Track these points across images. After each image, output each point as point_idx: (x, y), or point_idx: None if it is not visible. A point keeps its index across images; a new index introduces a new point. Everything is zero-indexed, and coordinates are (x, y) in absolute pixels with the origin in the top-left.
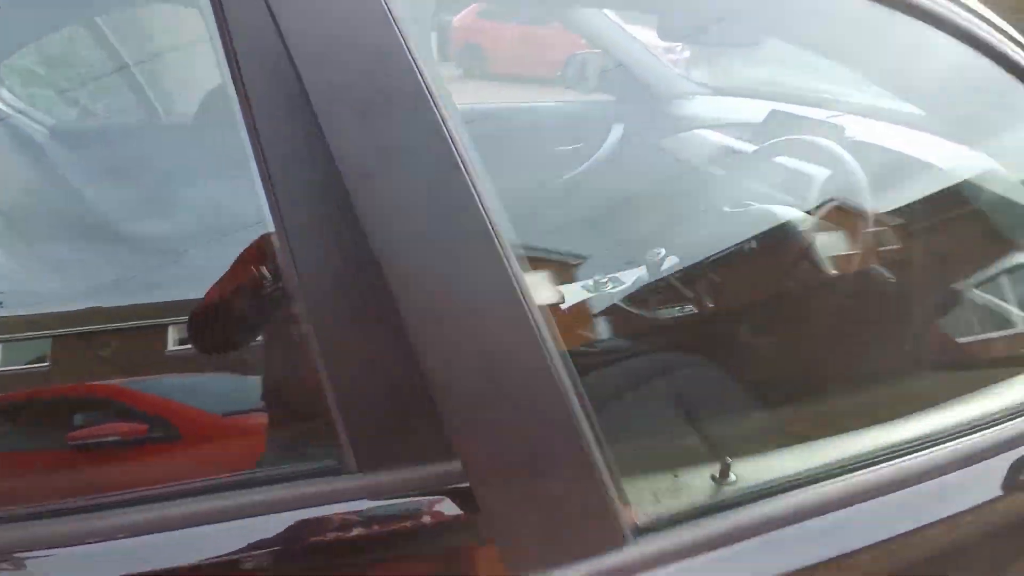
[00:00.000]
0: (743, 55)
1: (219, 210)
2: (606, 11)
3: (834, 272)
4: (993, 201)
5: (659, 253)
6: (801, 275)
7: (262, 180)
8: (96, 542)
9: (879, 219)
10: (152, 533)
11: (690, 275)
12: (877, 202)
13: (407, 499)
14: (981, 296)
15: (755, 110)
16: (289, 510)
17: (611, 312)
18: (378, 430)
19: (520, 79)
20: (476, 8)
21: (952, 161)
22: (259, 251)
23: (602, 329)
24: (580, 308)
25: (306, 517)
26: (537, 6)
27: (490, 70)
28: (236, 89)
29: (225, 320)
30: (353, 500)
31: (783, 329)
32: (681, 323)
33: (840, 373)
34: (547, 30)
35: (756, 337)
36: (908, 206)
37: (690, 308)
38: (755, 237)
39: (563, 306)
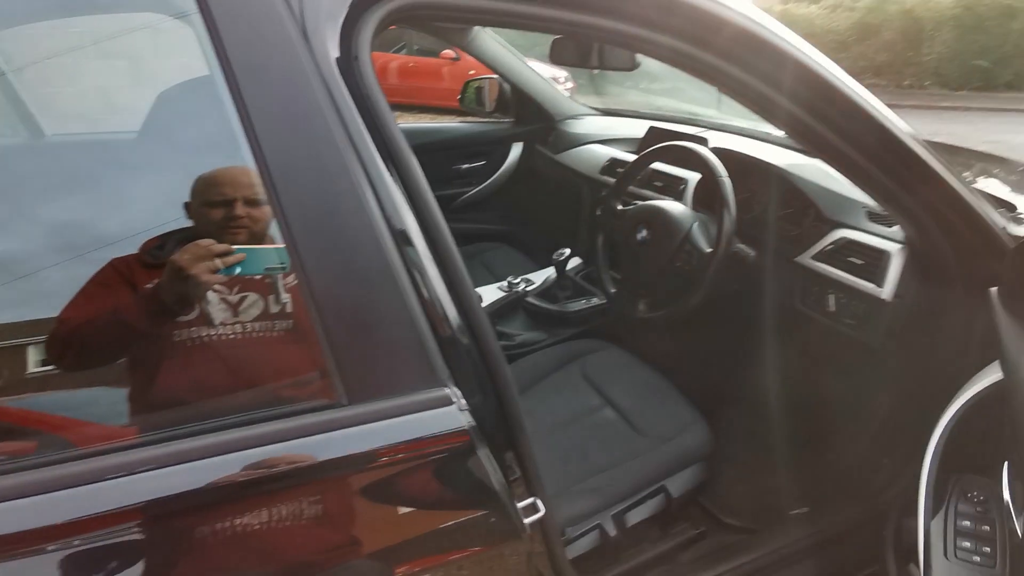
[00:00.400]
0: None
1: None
2: (500, 40)
3: (708, 250)
4: (819, 191)
5: (563, 253)
6: (684, 255)
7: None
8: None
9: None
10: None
11: (591, 271)
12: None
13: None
14: (815, 265)
15: (636, 127)
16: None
17: (522, 307)
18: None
19: (412, 109)
20: None
21: (790, 161)
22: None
23: (517, 322)
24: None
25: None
26: (428, 37)
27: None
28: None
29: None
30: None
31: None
32: (587, 312)
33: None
34: (436, 60)
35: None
36: (757, 196)
37: (595, 299)
38: (645, 227)
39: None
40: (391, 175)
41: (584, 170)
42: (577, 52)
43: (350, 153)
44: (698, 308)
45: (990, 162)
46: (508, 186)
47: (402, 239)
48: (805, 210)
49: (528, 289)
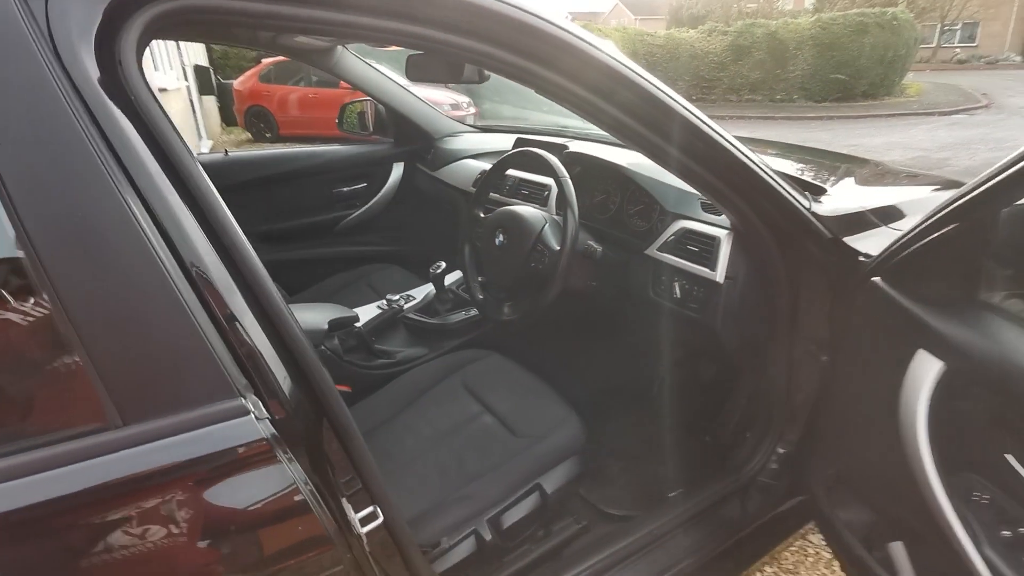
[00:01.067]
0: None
1: None
2: (374, 64)
3: (557, 248)
4: (659, 187)
5: (440, 267)
6: (537, 255)
7: None
8: None
9: (598, 205)
10: None
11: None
12: (586, 191)
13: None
14: (661, 256)
15: (508, 140)
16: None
17: (403, 324)
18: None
19: (310, 139)
20: (257, 72)
21: (634, 161)
22: None
23: (398, 339)
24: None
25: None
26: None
27: (279, 133)
28: None
29: None
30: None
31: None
32: (467, 323)
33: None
34: (330, 90)
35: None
36: (612, 196)
37: (474, 310)
38: (502, 232)
39: (357, 324)
40: (170, 184)
41: (459, 184)
42: (431, 69)
43: (114, 167)
44: (556, 304)
45: (852, 162)
46: (392, 206)
47: (184, 250)
48: (652, 206)
49: (407, 305)
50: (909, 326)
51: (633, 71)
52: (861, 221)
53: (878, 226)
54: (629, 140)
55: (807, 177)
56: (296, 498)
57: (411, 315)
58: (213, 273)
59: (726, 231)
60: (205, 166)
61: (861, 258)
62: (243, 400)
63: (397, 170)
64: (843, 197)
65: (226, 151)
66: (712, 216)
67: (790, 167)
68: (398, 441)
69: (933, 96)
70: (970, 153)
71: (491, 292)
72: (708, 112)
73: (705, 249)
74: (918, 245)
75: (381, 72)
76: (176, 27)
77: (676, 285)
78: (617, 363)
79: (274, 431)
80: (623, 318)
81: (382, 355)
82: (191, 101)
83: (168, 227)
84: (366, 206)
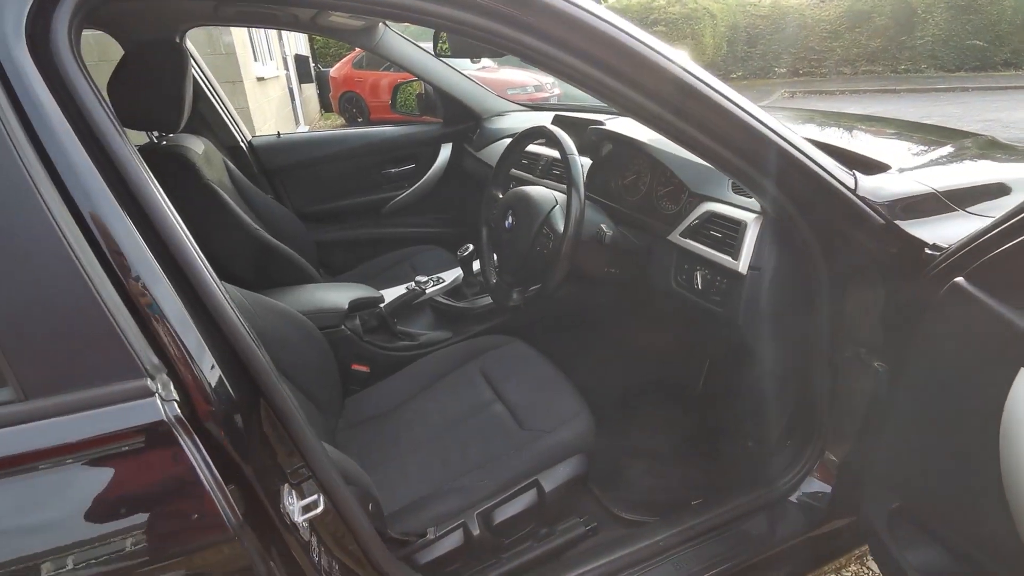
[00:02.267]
0: None
1: None
2: (412, 40)
3: (561, 231)
4: (684, 166)
5: (467, 249)
6: (543, 238)
7: None
8: None
9: (628, 187)
10: None
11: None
12: (616, 171)
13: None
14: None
15: (550, 117)
16: None
17: (430, 307)
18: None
19: (409, 122)
20: (351, 59)
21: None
22: None
23: (423, 321)
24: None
25: None
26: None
27: (370, 117)
28: None
29: None
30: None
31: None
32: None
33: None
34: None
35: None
36: (642, 177)
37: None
38: (512, 213)
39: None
40: (92, 168)
41: (493, 161)
42: (461, 45)
43: (24, 144)
44: (582, 291)
45: (957, 137)
46: (439, 187)
47: (99, 230)
48: (680, 187)
49: (430, 289)
50: (1010, 339)
51: (633, 36)
52: (927, 204)
53: (953, 210)
54: (632, 112)
55: (870, 152)
56: (193, 485)
57: (438, 298)
58: (131, 254)
59: (755, 215)
60: (257, 148)
61: (929, 250)
62: (150, 381)
63: (445, 151)
64: (914, 176)
65: (279, 133)
66: (743, 198)
67: (869, 140)
68: (408, 425)
69: None
70: None
71: (503, 277)
72: (817, 87)
73: (729, 235)
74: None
75: (426, 51)
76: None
77: (698, 275)
78: (650, 356)
79: (179, 414)
80: (652, 309)
81: (404, 337)
82: (290, 89)
83: (83, 209)
84: (413, 187)
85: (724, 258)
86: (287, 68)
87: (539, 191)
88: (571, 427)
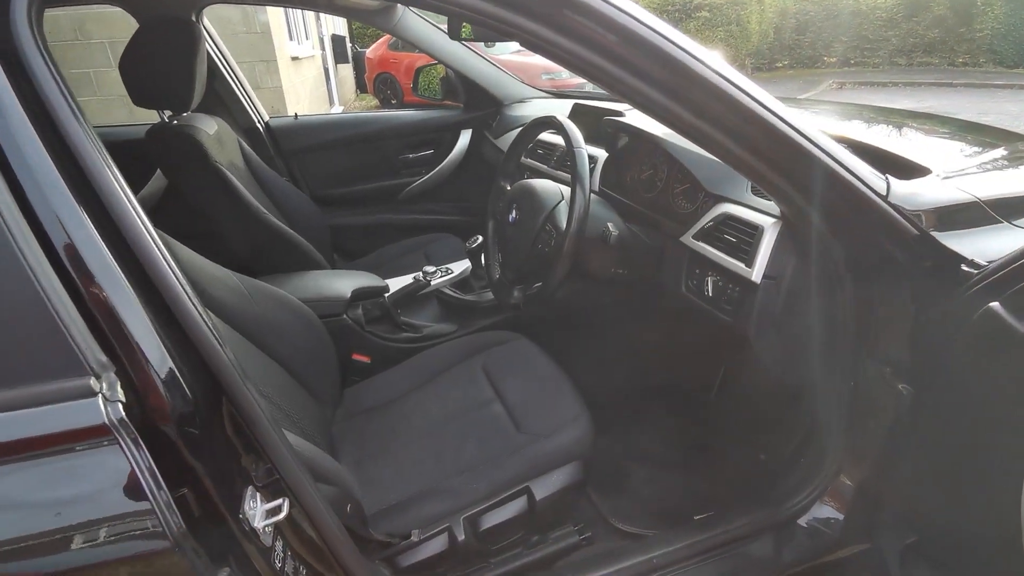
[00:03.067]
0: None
1: None
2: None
3: (562, 227)
4: (701, 164)
5: (476, 240)
6: (546, 236)
7: None
8: None
9: (644, 183)
10: None
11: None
12: (633, 165)
13: None
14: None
15: (568, 106)
16: None
17: (436, 298)
18: None
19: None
20: (387, 40)
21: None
22: None
23: (428, 313)
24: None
25: None
26: None
27: (404, 99)
28: None
29: None
30: None
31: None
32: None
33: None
34: None
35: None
36: (658, 172)
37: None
38: (516, 208)
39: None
40: (44, 153)
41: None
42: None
43: None
44: (592, 291)
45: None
46: (457, 174)
47: (48, 222)
48: (697, 184)
49: (435, 281)
50: None
51: (645, 24)
52: (970, 214)
53: (999, 223)
54: (643, 107)
55: (911, 154)
56: (133, 491)
57: (445, 289)
58: (82, 244)
59: (773, 220)
60: (274, 130)
61: (966, 266)
62: (93, 380)
63: (464, 137)
64: (958, 183)
65: (296, 114)
66: (761, 200)
67: (916, 140)
68: (405, 419)
69: None
70: None
71: (505, 273)
72: (869, 79)
73: (744, 240)
74: None
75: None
76: None
77: (709, 281)
78: (660, 359)
79: (123, 416)
80: (662, 311)
81: (407, 328)
82: (325, 69)
83: (31, 197)
84: (431, 173)
85: (737, 265)
86: (323, 48)
87: (545, 185)
88: (568, 432)
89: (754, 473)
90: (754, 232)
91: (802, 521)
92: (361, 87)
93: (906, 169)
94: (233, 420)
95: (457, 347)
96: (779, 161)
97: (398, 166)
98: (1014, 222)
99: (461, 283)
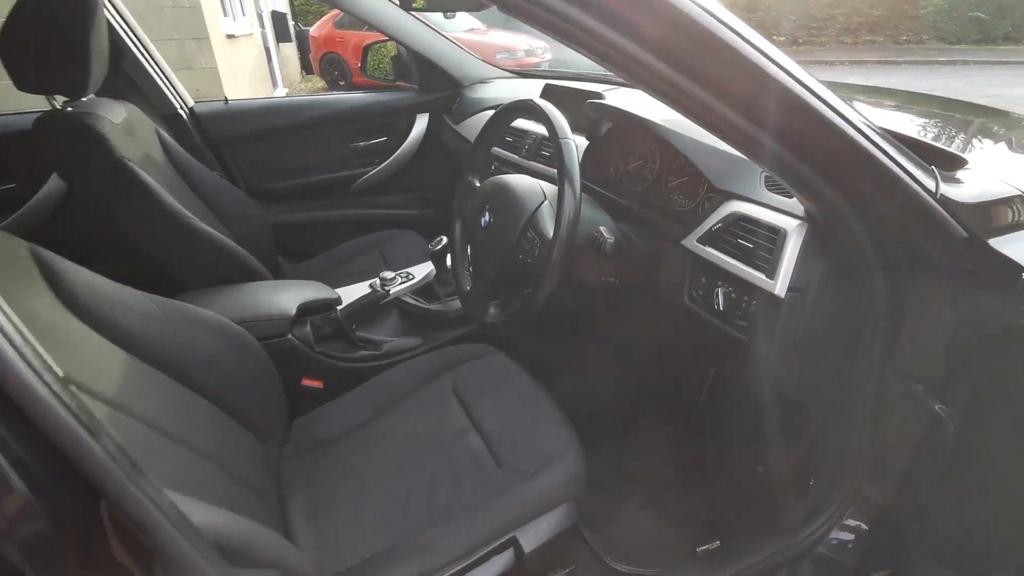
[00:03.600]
0: None
1: None
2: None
3: (549, 235)
4: (707, 154)
5: (440, 242)
6: (527, 243)
7: None
8: None
9: (633, 175)
10: None
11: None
12: (619, 154)
13: None
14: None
15: (540, 87)
16: None
17: (396, 308)
18: None
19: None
20: (332, 17)
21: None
22: None
23: (388, 326)
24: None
25: None
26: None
27: (353, 81)
28: None
29: None
30: None
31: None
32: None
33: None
34: None
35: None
36: (649, 163)
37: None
38: (489, 209)
39: (338, 307)
40: None
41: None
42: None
43: None
44: (573, 298)
45: (1003, 119)
46: (414, 163)
47: None
48: (697, 178)
49: (393, 290)
50: None
51: None
52: (1013, 211)
53: None
54: (640, 80)
55: (930, 139)
56: None
57: (407, 298)
58: None
59: (797, 222)
60: (200, 116)
61: None
62: None
63: (421, 122)
64: (992, 173)
65: (226, 99)
66: (779, 197)
67: (908, 124)
68: (365, 454)
69: None
70: None
71: (478, 284)
72: (817, 57)
73: (764, 245)
74: None
75: (421, 19)
76: None
77: (719, 292)
78: (648, 365)
79: None
80: (651, 327)
81: (364, 345)
82: (266, 49)
83: None
84: (385, 163)
85: (756, 275)
86: (263, 26)
87: (522, 183)
88: (559, 470)
89: (755, 490)
90: (775, 237)
91: (818, 551)
92: (307, 68)
93: (944, 160)
94: (121, 531)
95: (423, 365)
96: (814, 150)
97: (348, 155)
98: None
99: (424, 289)
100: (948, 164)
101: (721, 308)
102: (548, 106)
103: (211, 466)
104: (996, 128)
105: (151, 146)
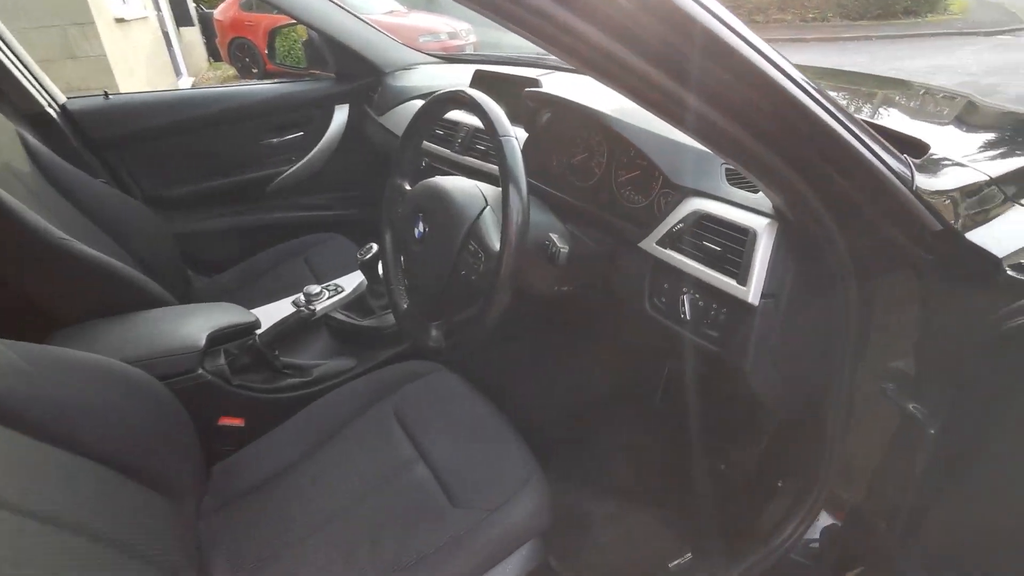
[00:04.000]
0: None
1: None
2: None
3: (497, 248)
4: (662, 146)
5: (370, 250)
6: (469, 257)
7: None
8: None
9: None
10: None
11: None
12: (562, 147)
13: None
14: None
15: (468, 73)
16: None
17: (326, 326)
18: None
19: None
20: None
21: (625, 107)
22: None
23: (316, 347)
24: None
25: None
26: None
27: (267, 68)
28: None
29: None
30: None
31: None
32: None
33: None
34: None
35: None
36: (596, 156)
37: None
38: (423, 218)
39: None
40: None
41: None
42: None
43: None
44: (503, 331)
45: (891, 87)
46: (336, 159)
47: None
48: (652, 173)
49: (326, 302)
50: None
51: None
52: (985, 198)
53: (1010, 204)
54: (588, 64)
55: (902, 127)
56: None
57: (337, 314)
58: None
59: (767, 220)
60: (75, 115)
61: (1013, 271)
62: None
63: (340, 114)
64: (955, 157)
65: (105, 93)
66: (743, 193)
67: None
68: (299, 500)
69: (977, 14)
70: (1020, 79)
71: (416, 303)
72: None
73: (732, 248)
74: None
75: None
76: None
77: (684, 299)
78: (609, 373)
79: None
80: (612, 324)
81: (290, 371)
82: (164, 33)
83: None
84: (304, 160)
85: (725, 281)
86: (158, 8)
87: (460, 187)
88: (520, 504)
89: (722, 492)
90: (744, 238)
91: (794, 557)
92: (214, 54)
93: (909, 147)
94: None
95: (359, 389)
96: (784, 139)
97: (261, 153)
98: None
99: (356, 302)
100: (914, 151)
101: (688, 317)
102: (483, 98)
103: (105, 550)
104: (899, 98)
105: (12, 153)
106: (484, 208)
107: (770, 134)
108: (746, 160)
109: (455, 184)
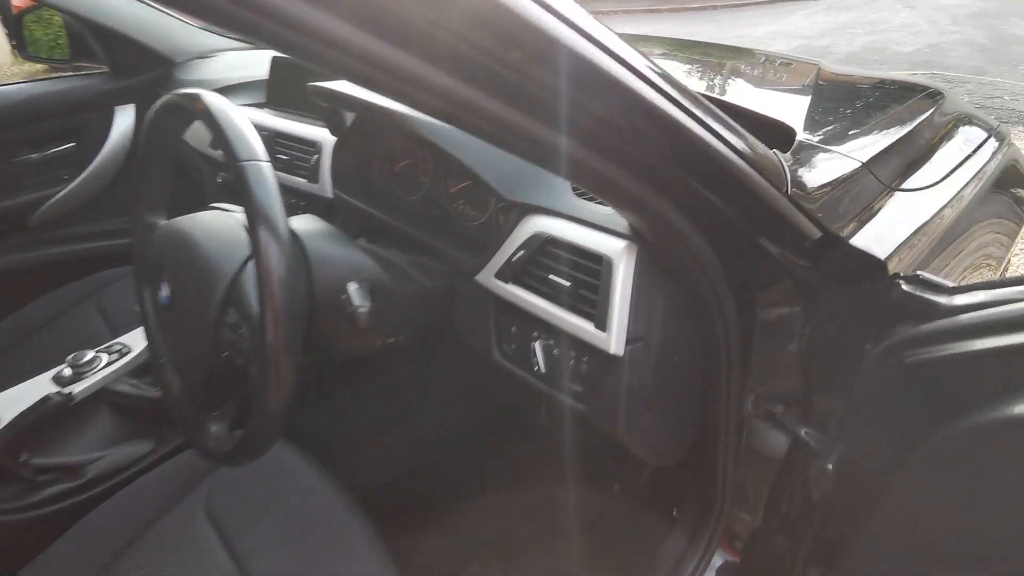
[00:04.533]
0: None
1: None
2: None
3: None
4: (488, 156)
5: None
6: (231, 333)
7: None
8: None
9: (401, 180)
10: None
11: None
12: (376, 154)
13: None
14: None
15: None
16: None
17: (107, 402)
18: None
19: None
20: None
21: None
22: None
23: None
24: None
25: None
26: None
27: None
28: None
29: None
30: None
31: None
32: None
33: None
34: None
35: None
36: (421, 166)
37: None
38: (166, 278)
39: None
40: None
41: (195, 141)
42: None
43: None
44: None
45: (736, 56)
46: (124, 175)
47: None
48: (485, 187)
49: (78, 389)
50: None
51: None
52: (860, 188)
53: (885, 190)
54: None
55: (767, 111)
56: None
57: (121, 385)
58: None
59: (623, 241)
60: None
61: (907, 285)
62: None
63: (124, 118)
64: (820, 141)
65: None
66: (594, 207)
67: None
68: None
69: None
70: (848, 38)
71: (188, 385)
72: (589, 7)
73: (584, 281)
74: None
75: None
76: None
77: (536, 347)
78: (482, 390)
79: None
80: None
81: (54, 477)
82: None
83: None
84: (80, 178)
85: (580, 326)
86: None
87: (214, 230)
88: None
89: (618, 515)
90: (598, 267)
91: None
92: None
93: (777, 134)
94: None
95: (158, 484)
96: (632, 149)
97: (15, 175)
98: (898, 187)
99: (142, 367)
100: (781, 137)
101: (543, 370)
102: (218, 106)
103: None
104: (753, 70)
105: None
106: (247, 261)
107: (612, 145)
108: (585, 177)
109: (208, 226)
